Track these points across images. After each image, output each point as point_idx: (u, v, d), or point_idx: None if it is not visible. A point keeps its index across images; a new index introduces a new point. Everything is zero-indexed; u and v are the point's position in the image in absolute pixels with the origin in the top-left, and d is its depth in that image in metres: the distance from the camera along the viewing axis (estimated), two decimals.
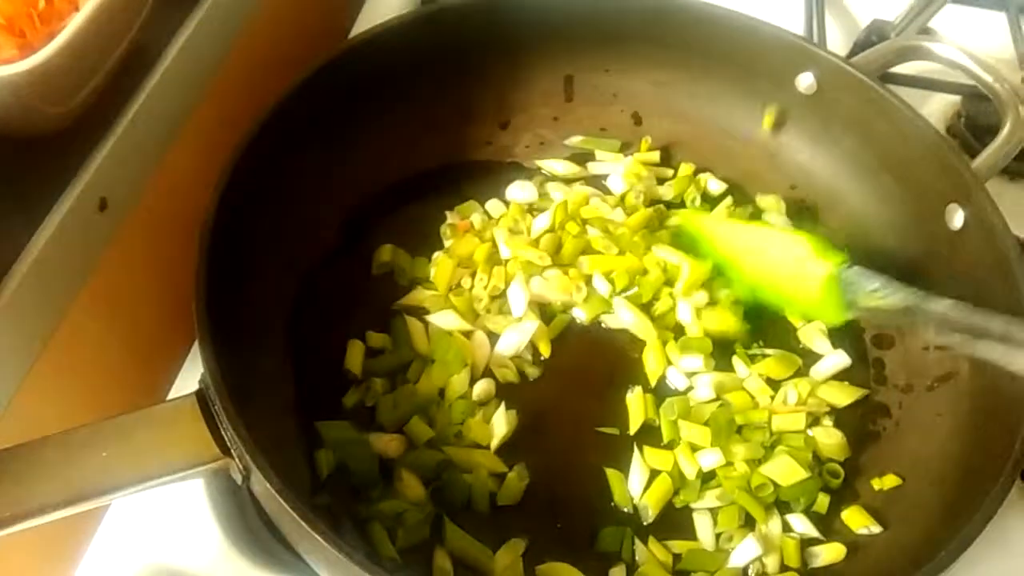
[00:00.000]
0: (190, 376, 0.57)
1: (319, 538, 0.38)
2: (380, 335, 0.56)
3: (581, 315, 0.58)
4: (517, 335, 0.56)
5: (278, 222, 0.56)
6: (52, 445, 0.38)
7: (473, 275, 0.59)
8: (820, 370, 0.57)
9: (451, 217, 0.62)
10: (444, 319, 0.56)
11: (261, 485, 0.40)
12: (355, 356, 0.55)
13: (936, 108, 0.71)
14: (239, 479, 0.42)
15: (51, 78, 0.48)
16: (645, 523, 0.51)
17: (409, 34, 0.61)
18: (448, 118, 0.66)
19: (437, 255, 0.60)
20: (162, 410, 0.42)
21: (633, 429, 0.53)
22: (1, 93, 0.47)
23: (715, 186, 0.65)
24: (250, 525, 0.50)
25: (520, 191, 0.64)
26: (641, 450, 0.52)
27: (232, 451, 0.41)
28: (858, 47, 0.71)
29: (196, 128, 0.63)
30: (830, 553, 0.50)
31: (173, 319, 0.65)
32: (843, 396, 0.55)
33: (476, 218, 0.62)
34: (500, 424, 0.52)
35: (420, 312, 0.57)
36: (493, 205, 0.63)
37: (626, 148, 0.67)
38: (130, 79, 0.57)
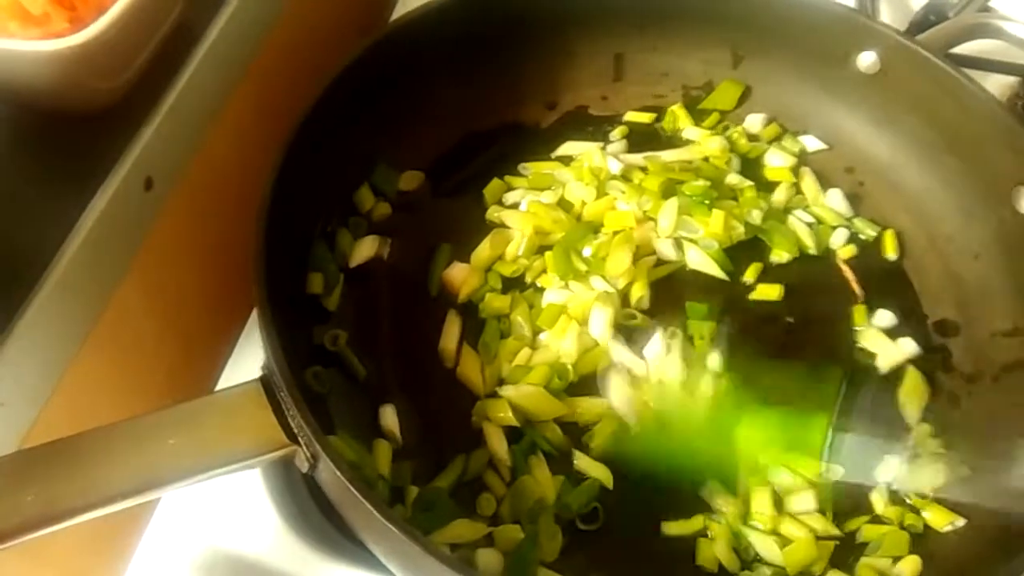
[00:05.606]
0: (239, 365, 0.56)
1: (392, 527, 0.37)
2: None
3: None
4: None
5: (327, 202, 0.56)
6: (119, 433, 0.37)
7: None
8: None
9: None
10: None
11: (330, 473, 0.39)
12: None
13: (992, 90, 0.69)
14: (305, 467, 0.40)
15: (101, 53, 0.47)
16: None
17: (453, 14, 0.59)
18: (493, 100, 0.64)
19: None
20: (226, 396, 0.41)
21: None
22: (52, 68, 0.46)
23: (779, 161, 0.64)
24: (306, 511, 0.49)
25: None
26: None
27: (299, 439, 0.40)
28: (914, 27, 0.69)
29: (235, 110, 0.61)
30: None
31: (216, 303, 0.64)
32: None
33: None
34: None
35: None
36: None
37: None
38: (173, 58, 0.55)
